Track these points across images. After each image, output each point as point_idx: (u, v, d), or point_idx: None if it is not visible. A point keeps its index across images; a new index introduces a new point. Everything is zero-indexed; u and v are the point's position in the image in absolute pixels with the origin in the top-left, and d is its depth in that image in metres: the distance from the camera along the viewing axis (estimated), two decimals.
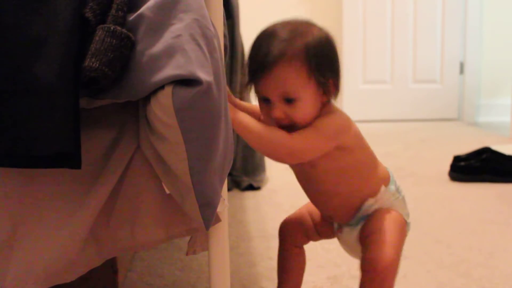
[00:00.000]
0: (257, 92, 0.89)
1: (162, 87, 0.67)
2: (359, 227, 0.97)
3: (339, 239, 1.03)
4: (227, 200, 0.83)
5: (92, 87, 0.70)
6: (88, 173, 0.77)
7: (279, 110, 0.87)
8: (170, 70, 0.67)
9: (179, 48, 0.68)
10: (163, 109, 0.67)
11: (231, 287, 0.90)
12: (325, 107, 0.91)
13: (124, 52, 0.68)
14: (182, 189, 0.73)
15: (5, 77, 0.66)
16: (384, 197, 0.96)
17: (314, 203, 1.02)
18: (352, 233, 0.98)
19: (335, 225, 1.03)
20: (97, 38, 0.68)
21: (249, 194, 1.99)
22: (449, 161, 2.19)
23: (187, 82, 0.67)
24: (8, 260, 0.76)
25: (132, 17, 0.71)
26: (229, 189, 1.85)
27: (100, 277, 1.14)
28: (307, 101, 0.87)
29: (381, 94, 3.74)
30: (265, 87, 0.87)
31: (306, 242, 1.07)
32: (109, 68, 0.67)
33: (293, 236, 1.06)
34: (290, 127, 0.88)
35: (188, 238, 0.93)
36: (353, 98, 3.68)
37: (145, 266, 1.32)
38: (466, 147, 2.41)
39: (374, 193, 0.96)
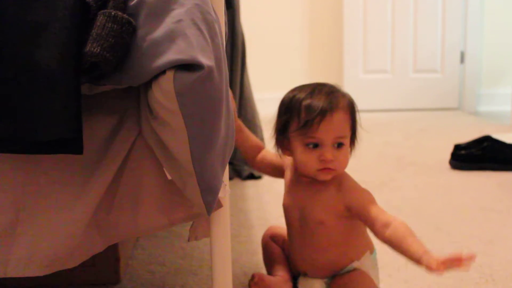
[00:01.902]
0: (307, 137, 0.96)
1: (163, 72, 0.67)
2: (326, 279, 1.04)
3: (301, 285, 1.07)
4: (228, 186, 0.83)
5: (93, 73, 0.70)
6: (90, 159, 0.77)
7: (331, 153, 0.96)
8: (171, 55, 0.67)
9: (180, 33, 0.68)
10: (164, 94, 0.67)
11: (233, 275, 0.90)
12: None
13: (125, 37, 0.68)
14: (183, 174, 0.73)
15: (6, 64, 0.66)
16: (366, 262, 1.03)
17: (297, 255, 1.06)
18: (315, 284, 1.04)
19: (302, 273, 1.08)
20: (98, 23, 0.68)
21: (250, 183, 1.99)
22: (449, 150, 2.18)
23: (188, 67, 0.67)
24: (11, 245, 0.76)
25: (133, 2, 0.71)
26: (230, 178, 1.85)
27: (102, 265, 1.14)
28: (348, 149, 1.00)
29: (382, 84, 3.73)
30: (324, 130, 0.95)
31: (281, 244, 1.14)
32: (110, 53, 0.67)
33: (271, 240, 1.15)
34: (326, 174, 0.98)
35: (189, 226, 0.93)
36: (353, 88, 3.66)
37: (146, 254, 1.32)
38: (467, 136, 2.40)
39: (358, 257, 1.03)
